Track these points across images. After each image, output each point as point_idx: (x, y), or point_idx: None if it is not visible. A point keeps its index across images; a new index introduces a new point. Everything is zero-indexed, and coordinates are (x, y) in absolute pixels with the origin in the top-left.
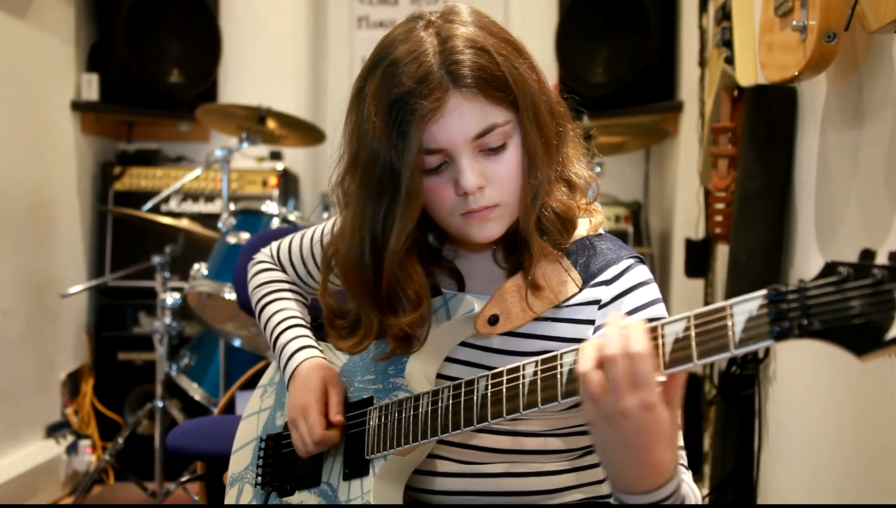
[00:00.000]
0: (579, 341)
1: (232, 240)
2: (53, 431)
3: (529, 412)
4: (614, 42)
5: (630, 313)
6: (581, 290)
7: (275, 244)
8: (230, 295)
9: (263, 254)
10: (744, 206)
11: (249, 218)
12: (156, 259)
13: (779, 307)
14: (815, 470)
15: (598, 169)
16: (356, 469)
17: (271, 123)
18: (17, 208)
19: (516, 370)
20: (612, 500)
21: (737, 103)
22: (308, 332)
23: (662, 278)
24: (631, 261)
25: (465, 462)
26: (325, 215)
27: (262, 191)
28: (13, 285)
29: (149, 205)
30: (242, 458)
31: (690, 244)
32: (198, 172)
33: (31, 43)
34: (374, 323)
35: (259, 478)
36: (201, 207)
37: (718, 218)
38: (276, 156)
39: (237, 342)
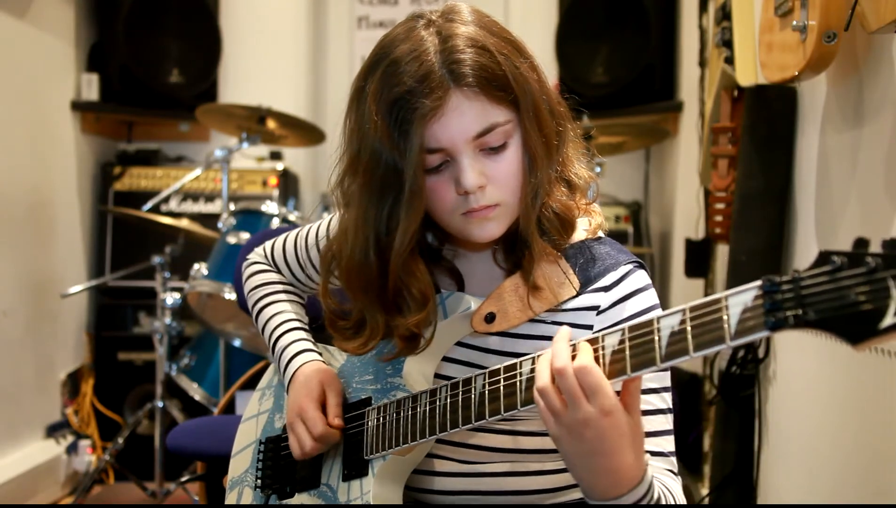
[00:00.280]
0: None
1: (232, 240)
2: (53, 431)
3: (527, 409)
4: (614, 42)
5: (628, 319)
6: (579, 294)
7: (268, 244)
8: (230, 295)
9: (257, 254)
10: (744, 206)
11: (249, 218)
12: (156, 259)
13: (773, 298)
14: (815, 470)
15: (598, 169)
16: (355, 469)
17: (271, 123)
18: (17, 208)
19: (513, 367)
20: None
21: (737, 103)
22: (306, 334)
23: (662, 278)
24: (629, 266)
25: (465, 461)
26: (325, 215)
27: (262, 191)
28: (13, 285)
29: (149, 205)
30: (242, 461)
31: (690, 244)
32: (198, 172)
33: (31, 43)
34: (381, 323)
35: (259, 481)
36: (201, 207)
37: (718, 218)
38: (276, 156)
39: (237, 342)
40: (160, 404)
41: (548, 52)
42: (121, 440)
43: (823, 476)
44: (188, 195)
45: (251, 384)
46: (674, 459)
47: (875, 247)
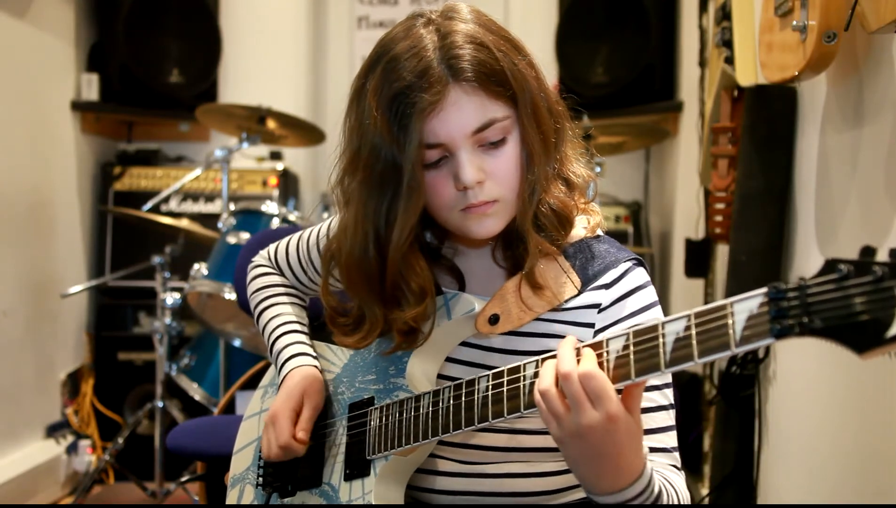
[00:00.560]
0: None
1: (232, 240)
2: (53, 431)
3: (531, 411)
4: (614, 42)
5: (629, 316)
6: (580, 292)
7: (272, 247)
8: (230, 295)
9: (261, 257)
10: (744, 206)
11: (249, 218)
12: (156, 259)
13: (779, 305)
14: (815, 470)
15: (597, 169)
16: (357, 469)
17: (271, 123)
18: (17, 208)
19: (517, 369)
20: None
21: (737, 103)
22: (303, 337)
23: (662, 278)
24: (629, 264)
25: (466, 461)
26: (325, 215)
27: (262, 191)
28: (13, 285)
29: (149, 205)
30: (243, 459)
31: (690, 244)
32: (198, 172)
33: (31, 43)
34: (379, 317)
35: (260, 479)
36: (201, 207)
37: (718, 218)
38: (276, 156)
39: (237, 342)
40: (160, 404)
41: (548, 52)
42: (121, 440)
43: (823, 476)
44: (188, 195)
45: (251, 384)
46: (677, 454)
47: (882, 256)
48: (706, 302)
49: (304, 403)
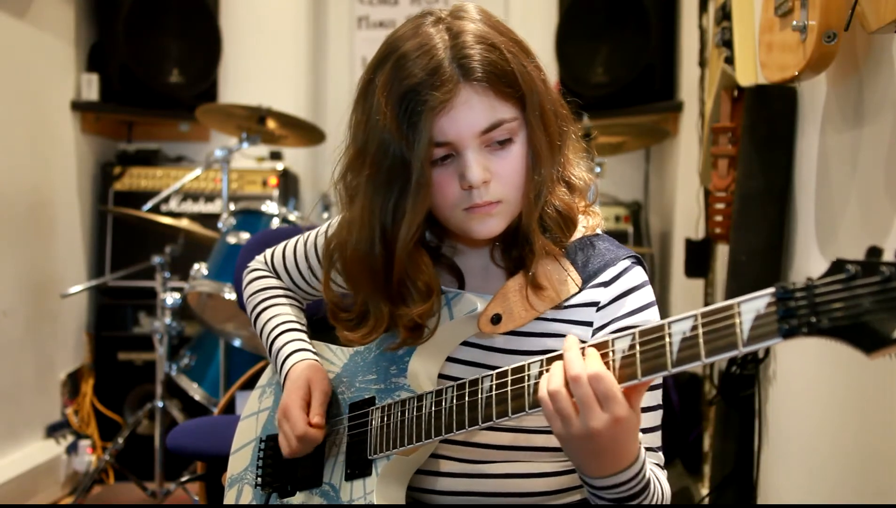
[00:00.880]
0: (581, 342)
1: (232, 240)
2: (53, 431)
3: (535, 410)
4: (614, 42)
5: (626, 315)
6: (581, 290)
7: (268, 251)
8: (230, 295)
9: (257, 261)
10: (744, 206)
11: (249, 218)
12: (156, 259)
13: (787, 305)
14: (815, 470)
15: (597, 169)
16: (358, 469)
17: (271, 123)
18: (17, 208)
19: (521, 369)
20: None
21: (737, 103)
22: (302, 335)
23: (662, 278)
24: (627, 262)
25: (467, 461)
26: (325, 215)
27: (262, 191)
28: (13, 285)
29: (149, 205)
30: (241, 459)
31: (690, 244)
32: (198, 172)
33: (31, 43)
34: (385, 314)
35: (259, 479)
36: (201, 207)
37: (718, 218)
38: (276, 156)
39: (237, 342)
40: (160, 404)
41: (548, 52)
42: (121, 441)
43: (823, 476)
44: (188, 195)
45: (251, 384)
46: (661, 454)
47: (889, 256)
48: (706, 302)
49: (312, 391)
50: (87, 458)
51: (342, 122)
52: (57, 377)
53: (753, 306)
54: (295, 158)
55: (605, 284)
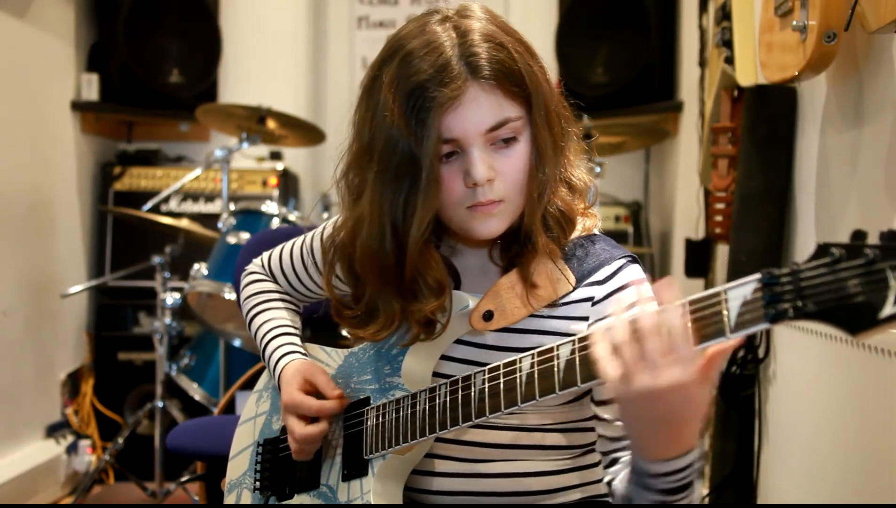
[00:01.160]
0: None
1: (232, 240)
2: (53, 431)
3: (527, 405)
4: (614, 42)
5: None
6: (575, 289)
7: (265, 254)
8: (230, 295)
9: (254, 265)
10: (744, 206)
11: (249, 218)
12: (156, 259)
13: (773, 290)
14: (815, 470)
15: (597, 169)
16: (355, 469)
17: (271, 123)
18: (17, 208)
19: (513, 363)
20: (632, 463)
21: (737, 103)
22: (294, 338)
23: (662, 278)
24: (623, 261)
25: (464, 460)
26: (325, 215)
27: (262, 191)
28: (13, 285)
29: (149, 205)
30: (240, 464)
31: (690, 244)
32: (198, 172)
33: (31, 43)
34: (397, 310)
35: (258, 483)
36: (201, 207)
37: (718, 218)
38: (276, 156)
39: (237, 342)
40: (160, 404)
41: (548, 52)
42: (121, 441)
43: (823, 476)
44: (188, 195)
45: (251, 384)
46: None
47: (873, 239)
48: None
49: (313, 376)
50: (87, 458)
51: (342, 122)
52: (57, 377)
53: (740, 292)
54: (295, 158)
55: (601, 282)
